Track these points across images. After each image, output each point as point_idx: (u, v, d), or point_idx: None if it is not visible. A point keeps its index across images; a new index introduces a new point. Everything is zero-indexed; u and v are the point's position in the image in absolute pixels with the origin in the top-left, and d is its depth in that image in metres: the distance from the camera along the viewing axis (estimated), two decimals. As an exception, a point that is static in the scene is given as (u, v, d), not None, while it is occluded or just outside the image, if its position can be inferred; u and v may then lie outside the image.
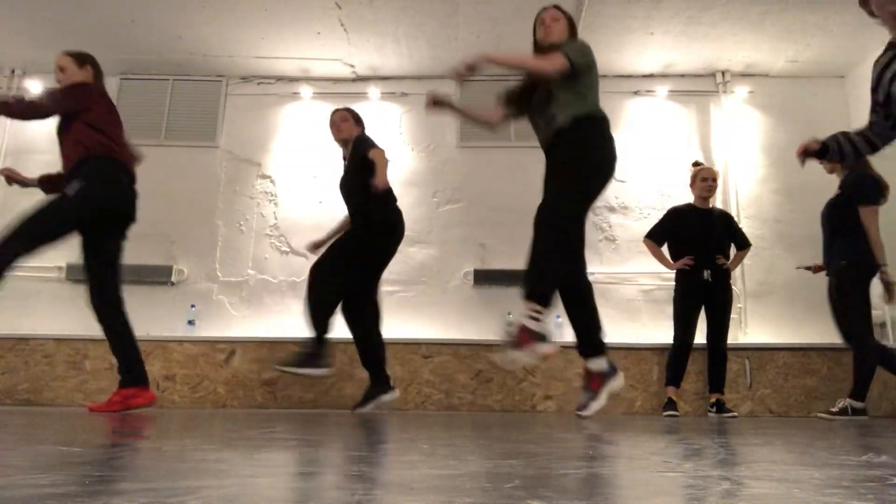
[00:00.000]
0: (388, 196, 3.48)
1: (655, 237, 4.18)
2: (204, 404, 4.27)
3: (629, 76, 5.59)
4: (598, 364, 2.69)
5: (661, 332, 4.79)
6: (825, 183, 3.98)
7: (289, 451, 1.10)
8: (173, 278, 5.19)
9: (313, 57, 5.39)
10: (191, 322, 5.01)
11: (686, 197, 4.35)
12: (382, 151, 3.41)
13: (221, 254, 5.32)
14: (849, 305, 3.56)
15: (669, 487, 0.72)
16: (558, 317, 4.84)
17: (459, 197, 5.40)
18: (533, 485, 0.69)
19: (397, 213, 3.53)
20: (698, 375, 4.20)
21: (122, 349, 3.01)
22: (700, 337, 4.02)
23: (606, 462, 0.96)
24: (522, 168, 5.01)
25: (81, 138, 2.93)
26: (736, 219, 4.57)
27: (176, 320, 5.06)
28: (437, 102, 2.76)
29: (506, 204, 5.12)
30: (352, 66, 5.52)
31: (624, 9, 4.68)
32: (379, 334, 3.52)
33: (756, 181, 5.36)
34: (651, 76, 5.59)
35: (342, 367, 4.17)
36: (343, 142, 3.65)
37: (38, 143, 5.28)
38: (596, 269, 5.22)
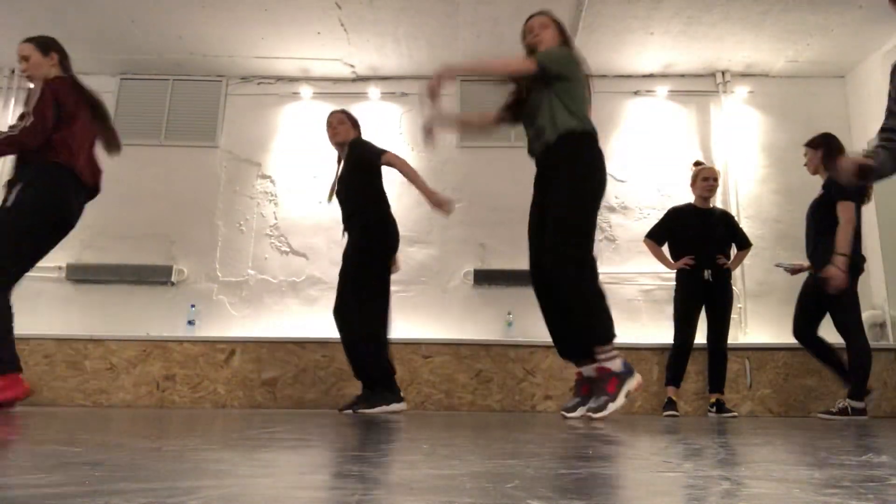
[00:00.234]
0: (381, 197, 3.50)
1: (656, 237, 4.18)
2: (204, 404, 4.27)
3: (629, 76, 5.59)
4: (588, 370, 2.65)
5: (661, 332, 4.79)
6: (825, 183, 3.99)
7: (289, 451, 1.10)
8: (173, 278, 5.19)
9: (313, 57, 5.39)
10: (191, 322, 5.01)
11: (686, 197, 4.35)
12: (397, 155, 3.44)
13: (221, 254, 5.32)
14: (841, 304, 3.57)
15: (669, 487, 0.72)
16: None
17: (459, 197, 5.39)
18: (533, 485, 0.69)
19: (391, 217, 3.52)
20: (698, 375, 4.20)
21: None
22: (700, 337, 4.02)
23: (606, 462, 0.96)
24: (522, 168, 4.96)
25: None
26: (736, 219, 4.58)
27: (176, 320, 5.06)
28: (431, 131, 2.81)
29: (506, 204, 5.12)
30: (352, 66, 5.52)
31: (624, 9, 4.68)
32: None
33: (756, 181, 5.37)
34: (651, 76, 5.59)
35: (342, 367, 4.17)
36: (339, 145, 3.62)
37: None
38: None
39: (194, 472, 0.77)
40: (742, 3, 4.57)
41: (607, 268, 5.20)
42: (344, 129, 3.61)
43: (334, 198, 3.63)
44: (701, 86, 5.56)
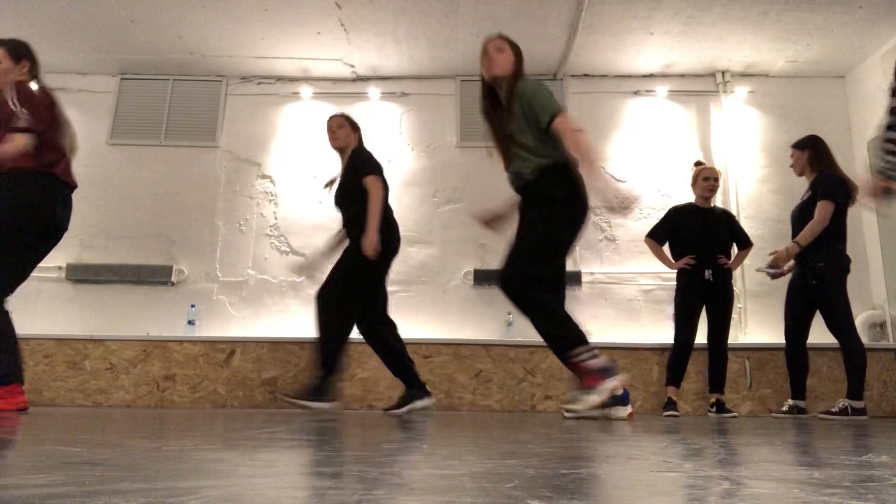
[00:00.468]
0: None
1: (656, 236, 4.17)
2: (204, 404, 4.27)
3: (629, 76, 5.59)
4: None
5: (661, 332, 4.79)
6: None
7: (289, 451, 1.10)
8: (173, 278, 5.20)
9: (313, 57, 5.39)
10: (191, 322, 5.01)
11: (686, 196, 4.35)
12: (378, 183, 3.35)
13: (221, 254, 5.32)
14: (832, 305, 3.58)
15: (669, 487, 0.71)
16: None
17: (459, 197, 5.40)
18: (533, 485, 0.69)
19: (392, 220, 3.50)
20: (698, 375, 4.20)
21: None
22: (700, 337, 4.02)
23: (606, 462, 0.96)
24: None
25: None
26: (737, 218, 4.57)
27: (176, 320, 5.06)
28: (489, 221, 2.98)
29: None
30: (352, 66, 5.52)
31: (624, 9, 4.68)
32: (398, 340, 3.45)
33: (756, 181, 5.37)
34: (651, 76, 5.59)
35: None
36: (339, 150, 3.59)
37: None
38: (596, 269, 5.23)
39: (194, 472, 0.77)
40: (742, 2, 4.57)
41: (607, 268, 5.21)
42: (343, 134, 3.58)
43: (334, 198, 3.62)
44: (701, 86, 5.57)
